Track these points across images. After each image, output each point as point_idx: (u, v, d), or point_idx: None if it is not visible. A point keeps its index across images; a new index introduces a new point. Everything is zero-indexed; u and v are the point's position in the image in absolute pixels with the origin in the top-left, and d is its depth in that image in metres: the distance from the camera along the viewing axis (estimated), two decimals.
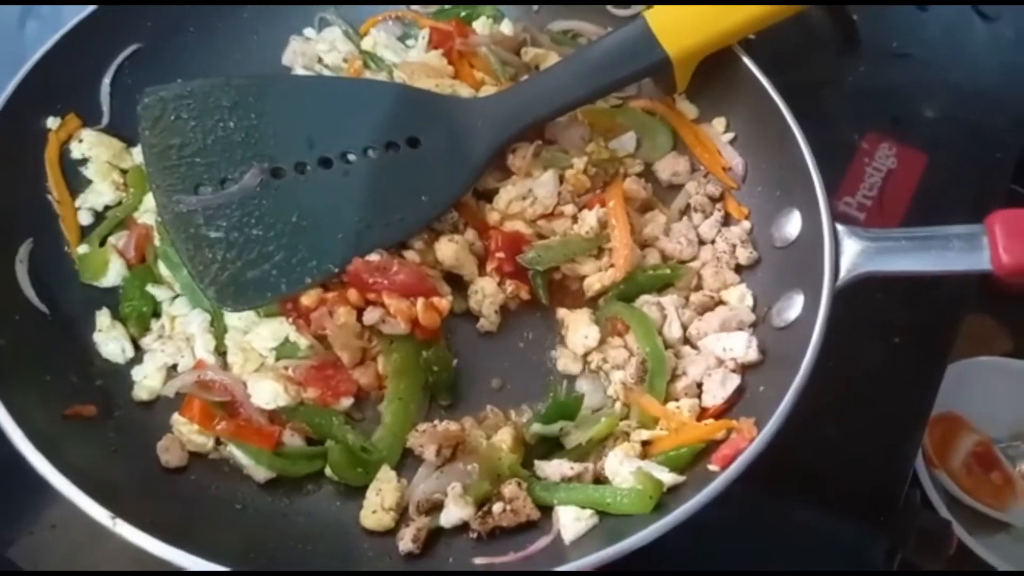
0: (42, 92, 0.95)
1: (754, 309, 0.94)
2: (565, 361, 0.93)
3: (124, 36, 1.02)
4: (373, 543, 0.82)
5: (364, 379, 0.89)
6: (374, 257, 0.89)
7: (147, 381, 0.89)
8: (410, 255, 0.92)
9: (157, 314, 0.93)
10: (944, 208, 1.20)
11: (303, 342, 0.89)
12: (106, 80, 1.00)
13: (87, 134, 0.98)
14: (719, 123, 1.06)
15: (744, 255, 0.97)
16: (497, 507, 0.81)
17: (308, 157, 0.92)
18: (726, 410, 0.87)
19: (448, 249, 0.93)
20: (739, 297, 0.94)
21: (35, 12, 1.17)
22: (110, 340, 0.90)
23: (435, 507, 0.82)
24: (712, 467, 0.79)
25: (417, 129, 0.96)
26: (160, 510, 0.78)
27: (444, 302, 0.89)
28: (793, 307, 0.89)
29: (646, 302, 0.94)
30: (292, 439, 0.86)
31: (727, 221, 1.01)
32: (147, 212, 0.97)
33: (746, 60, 1.00)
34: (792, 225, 0.94)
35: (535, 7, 1.14)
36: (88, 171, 0.98)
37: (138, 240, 0.95)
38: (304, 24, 1.12)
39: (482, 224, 0.98)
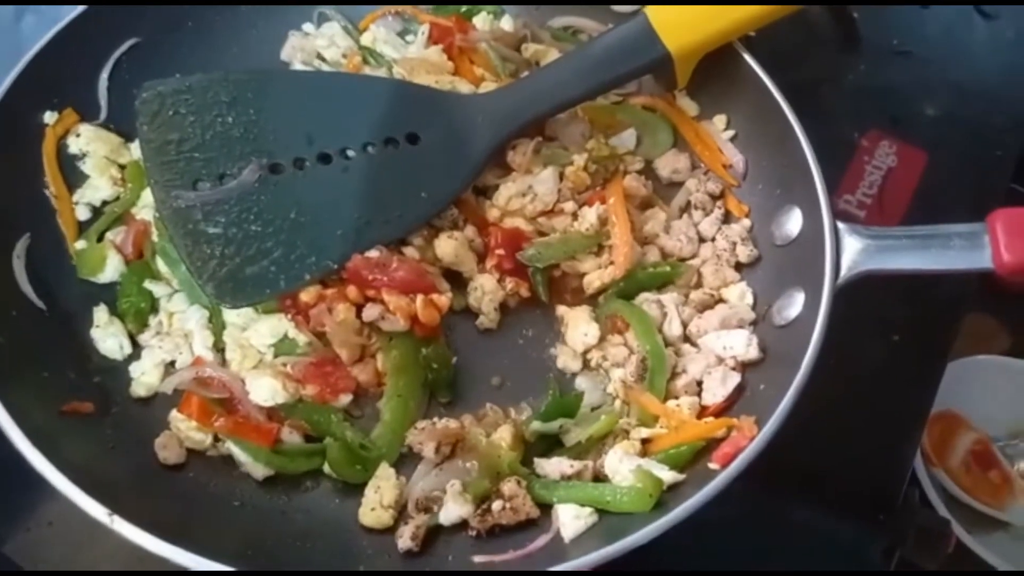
0: (39, 86, 0.94)
1: (754, 307, 0.94)
2: (565, 359, 0.93)
3: (122, 30, 1.01)
4: (372, 541, 0.82)
5: (363, 376, 0.88)
6: (373, 254, 0.88)
7: (145, 378, 0.89)
8: (409, 252, 0.92)
9: (155, 310, 0.93)
10: (944, 207, 1.20)
11: (302, 339, 0.88)
12: (104, 75, 1.00)
13: (85, 129, 0.97)
14: (720, 120, 1.05)
15: (744, 253, 0.97)
16: (496, 505, 0.81)
17: (307, 153, 0.91)
18: (726, 408, 0.87)
19: (448, 246, 0.93)
20: (739, 295, 0.94)
21: (31, 6, 1.17)
22: (108, 336, 0.90)
23: (434, 505, 0.82)
24: (712, 465, 0.79)
25: (416, 125, 0.95)
26: (158, 507, 0.78)
27: (444, 299, 0.89)
28: (793, 305, 0.88)
29: (646, 300, 0.94)
30: (291, 436, 0.86)
31: (727, 219, 1.01)
32: (145, 207, 0.96)
33: (747, 57, 1.00)
34: (793, 223, 0.94)
35: (535, 3, 1.13)
36: (86, 166, 0.97)
37: (136, 236, 0.95)
38: (303, 19, 1.12)
39: (482, 221, 0.97)
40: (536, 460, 0.85)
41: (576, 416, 0.87)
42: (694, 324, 0.93)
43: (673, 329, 0.92)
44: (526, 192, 0.97)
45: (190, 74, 0.93)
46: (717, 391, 0.86)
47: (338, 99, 0.96)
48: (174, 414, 0.86)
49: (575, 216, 0.98)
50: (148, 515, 0.73)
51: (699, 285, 0.97)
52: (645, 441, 0.85)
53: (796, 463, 0.96)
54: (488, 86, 1.05)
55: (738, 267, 0.97)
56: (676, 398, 0.88)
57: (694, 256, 0.99)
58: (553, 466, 0.84)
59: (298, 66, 1.09)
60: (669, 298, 0.94)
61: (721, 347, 0.89)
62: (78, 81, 0.98)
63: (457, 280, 0.95)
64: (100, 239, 0.95)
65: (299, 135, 0.92)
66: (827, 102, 1.28)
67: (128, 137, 0.99)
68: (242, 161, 0.89)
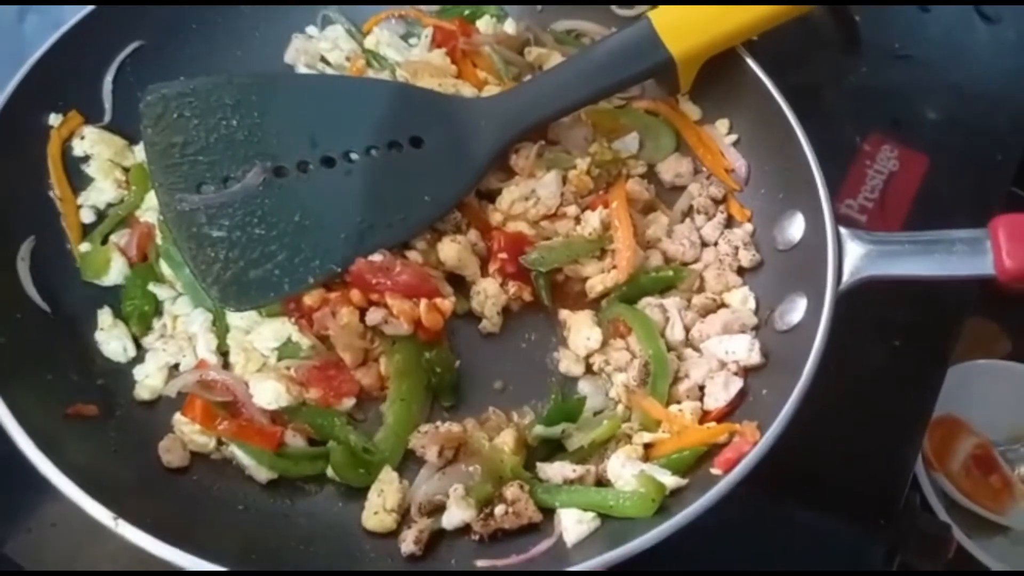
0: (44, 89, 0.94)
1: (756, 312, 0.94)
2: (567, 363, 0.93)
3: (126, 33, 1.01)
4: (375, 544, 0.82)
5: (366, 380, 0.89)
6: (377, 257, 0.88)
7: (149, 380, 0.89)
8: (413, 255, 0.92)
9: (159, 313, 0.93)
10: (945, 210, 1.20)
11: (305, 342, 0.88)
12: (108, 77, 1.00)
13: (89, 131, 0.97)
14: (722, 125, 1.05)
15: (747, 257, 0.97)
16: (499, 509, 0.81)
17: (311, 156, 0.91)
18: (728, 413, 0.87)
19: (450, 250, 0.93)
20: (741, 300, 0.94)
21: (34, 6, 1.17)
22: (112, 339, 0.90)
23: (437, 509, 0.82)
24: (715, 471, 0.79)
25: (420, 129, 0.95)
26: (161, 510, 0.78)
27: (447, 303, 0.89)
28: (796, 310, 0.89)
29: (648, 304, 0.94)
30: (294, 440, 0.86)
31: (730, 223, 1.01)
32: (149, 210, 0.96)
33: (750, 62, 1.00)
34: (795, 228, 0.94)
35: (539, 7, 1.14)
36: (90, 169, 0.97)
37: (140, 238, 0.95)
38: (307, 22, 1.12)
39: (485, 225, 0.97)
40: (538, 464, 0.85)
41: (578, 420, 0.87)
42: (696, 329, 0.93)
43: (675, 334, 0.92)
44: (529, 196, 0.97)
45: (194, 77, 0.94)
46: (719, 396, 0.87)
47: (341, 102, 0.96)
48: (178, 417, 0.86)
49: (578, 220, 0.98)
50: (151, 518, 0.73)
51: (701, 289, 0.97)
52: (647, 446, 0.85)
53: (797, 467, 0.96)
54: (491, 89, 1.05)
55: (740, 272, 0.98)
56: (678, 403, 0.88)
57: (696, 260, 0.99)
58: (556, 470, 0.84)
59: (302, 69, 1.09)
60: (671, 302, 0.94)
61: (723, 352, 0.89)
62: (82, 83, 0.98)
63: (460, 284, 0.95)
64: (104, 242, 0.95)
65: (303, 138, 0.92)
66: (828, 105, 1.28)
67: (132, 140, 0.99)
68: (246, 164, 0.89)
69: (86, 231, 0.96)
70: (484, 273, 0.95)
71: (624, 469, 0.82)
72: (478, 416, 0.89)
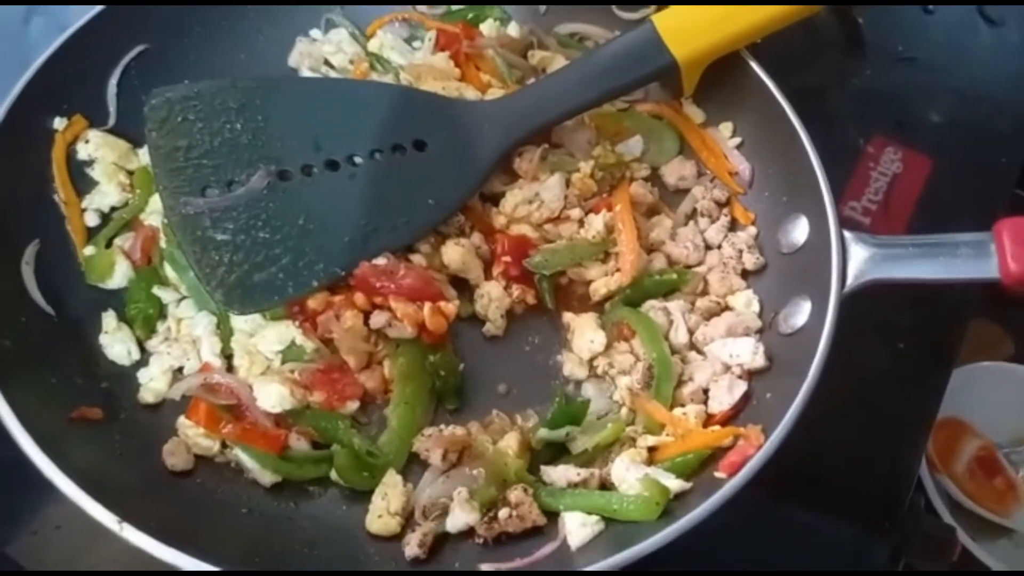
0: (49, 92, 0.95)
1: (760, 315, 0.94)
2: (571, 366, 0.93)
3: (130, 36, 1.02)
4: (379, 548, 0.82)
5: (370, 383, 0.89)
6: (381, 261, 0.88)
7: (153, 384, 0.89)
8: (416, 259, 0.92)
9: (163, 316, 0.93)
10: (949, 213, 1.20)
11: (309, 345, 0.88)
12: (112, 81, 1.00)
13: (93, 135, 0.98)
14: (726, 128, 1.05)
15: (751, 260, 0.97)
16: (503, 512, 0.81)
17: (315, 159, 0.91)
18: (732, 416, 0.87)
19: (454, 253, 0.93)
20: (745, 303, 0.94)
21: (40, 8, 1.17)
22: (116, 342, 0.90)
23: (441, 512, 0.82)
24: (719, 474, 0.79)
25: (423, 132, 0.95)
26: (166, 513, 0.78)
27: (451, 306, 0.89)
28: (800, 313, 0.89)
29: (652, 307, 0.94)
30: (298, 443, 0.86)
31: (733, 226, 1.01)
32: (153, 213, 0.96)
33: (754, 65, 1.00)
34: (799, 231, 0.94)
35: (542, 9, 1.14)
36: (94, 172, 0.98)
37: (144, 242, 0.95)
38: (310, 25, 1.12)
39: (488, 228, 0.97)
40: (542, 468, 0.85)
41: (582, 424, 0.87)
42: (700, 332, 0.93)
43: (679, 336, 0.92)
44: (532, 199, 0.97)
45: (198, 80, 0.94)
46: (723, 399, 0.87)
47: (345, 106, 0.96)
48: (182, 420, 0.86)
49: (581, 223, 0.98)
50: (155, 521, 0.73)
51: (705, 292, 0.97)
52: (651, 449, 0.85)
53: (801, 469, 0.96)
54: (495, 92, 1.05)
55: (744, 275, 0.98)
56: (682, 406, 0.88)
57: (700, 263, 0.99)
58: (559, 474, 0.84)
59: (305, 72, 1.09)
60: (675, 305, 0.94)
61: (727, 355, 0.89)
62: (87, 87, 0.99)
63: (463, 287, 0.95)
64: (109, 245, 0.95)
65: (307, 142, 0.92)
66: (832, 108, 1.28)
67: (137, 143, 1.00)
68: (250, 168, 0.89)
69: (90, 234, 0.96)
70: (488, 276, 0.96)
71: (628, 472, 0.82)
72: (482, 419, 0.89)
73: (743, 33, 0.98)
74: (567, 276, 0.97)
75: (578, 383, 0.93)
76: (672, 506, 0.79)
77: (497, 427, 0.88)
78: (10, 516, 0.90)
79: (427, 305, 0.87)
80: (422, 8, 1.13)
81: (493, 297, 0.94)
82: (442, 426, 0.86)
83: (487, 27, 1.12)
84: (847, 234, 0.88)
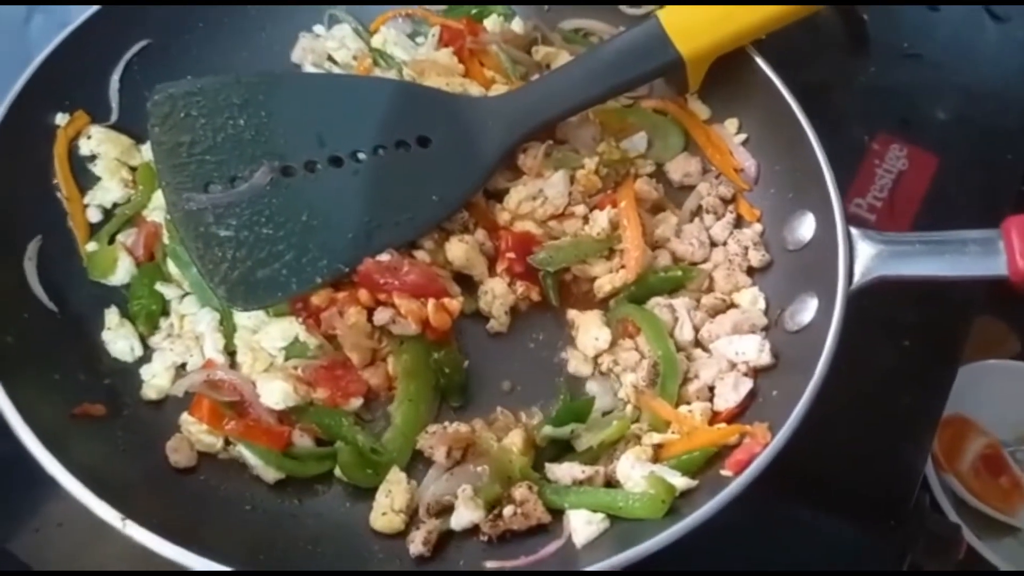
0: (51, 88, 0.94)
1: (766, 312, 0.93)
2: (576, 363, 0.93)
3: (133, 32, 1.01)
4: (383, 545, 0.82)
5: (374, 380, 0.88)
6: (384, 257, 0.88)
7: (156, 380, 0.89)
8: (420, 255, 0.92)
9: (166, 313, 0.93)
10: (955, 210, 1.20)
11: (313, 342, 0.88)
12: (115, 76, 1.00)
13: (96, 131, 0.97)
14: (731, 124, 1.05)
15: (756, 257, 0.96)
16: (508, 510, 0.80)
17: (318, 155, 0.91)
18: (738, 414, 0.86)
19: (458, 249, 0.93)
20: (751, 300, 0.94)
21: (40, 6, 1.17)
22: (119, 338, 0.90)
23: (445, 509, 0.82)
24: (725, 472, 0.78)
25: (427, 128, 0.95)
26: (169, 511, 0.78)
27: (455, 303, 0.88)
28: (806, 311, 0.88)
29: (657, 304, 0.94)
30: (302, 440, 0.85)
31: (739, 223, 1.01)
32: (156, 209, 0.96)
33: (759, 61, 1.00)
34: (805, 228, 0.93)
35: (546, 6, 1.13)
36: (97, 168, 0.97)
37: (147, 238, 0.94)
38: (313, 21, 1.11)
39: (492, 224, 0.97)
40: (547, 465, 0.85)
41: (587, 421, 0.87)
42: (706, 329, 0.92)
43: (685, 334, 0.92)
44: (537, 195, 0.97)
45: (201, 76, 0.93)
46: (729, 397, 0.86)
47: (349, 102, 0.96)
48: (185, 417, 0.85)
49: (586, 220, 0.97)
50: (159, 518, 0.73)
51: (711, 290, 0.96)
52: (657, 447, 0.85)
53: (806, 467, 0.96)
54: (498, 88, 1.04)
55: (750, 272, 0.97)
56: (688, 403, 0.88)
57: (705, 260, 0.98)
58: (564, 471, 0.83)
59: (308, 68, 1.09)
60: (680, 303, 0.93)
61: (733, 352, 0.89)
62: (89, 83, 0.98)
63: (467, 284, 0.95)
64: (111, 241, 0.95)
65: (310, 138, 0.92)
66: (837, 105, 1.28)
67: (139, 139, 0.99)
68: (253, 164, 0.89)
69: (93, 230, 0.95)
70: (492, 273, 0.95)
71: (633, 470, 0.81)
72: (486, 416, 0.88)
73: (749, 29, 0.97)
74: (571, 273, 0.96)
75: (583, 380, 0.92)
76: (678, 504, 0.79)
77: (501, 424, 0.87)
78: (12, 513, 0.90)
79: (431, 302, 0.87)
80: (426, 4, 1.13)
81: (497, 294, 0.93)
82: (446, 423, 0.85)
83: (491, 23, 1.11)
84: (854, 231, 0.87)
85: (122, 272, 0.93)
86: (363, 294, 0.87)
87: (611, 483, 0.84)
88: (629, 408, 0.89)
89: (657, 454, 0.84)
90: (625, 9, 1.09)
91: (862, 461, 1.02)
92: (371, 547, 0.82)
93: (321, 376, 0.87)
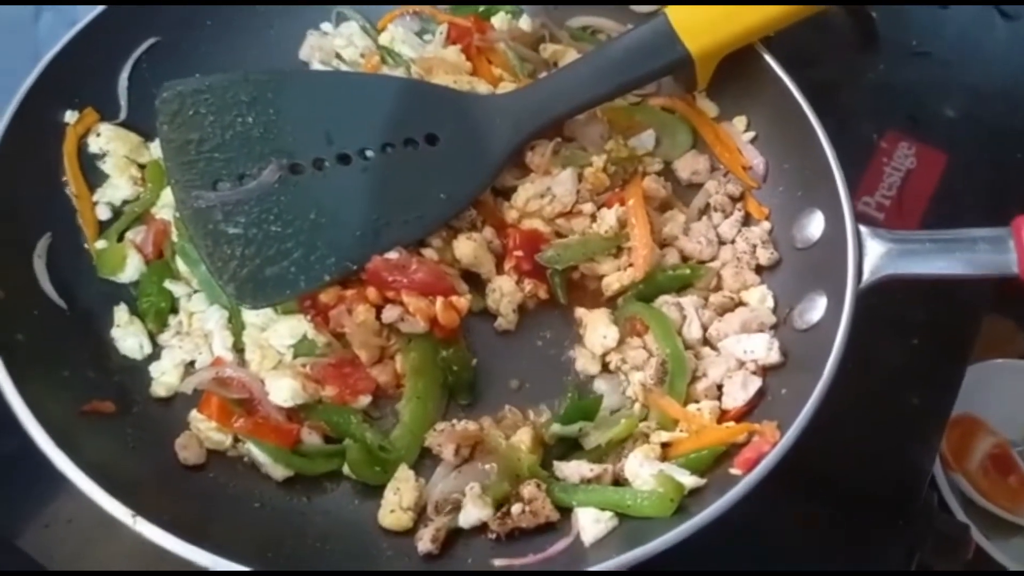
0: (60, 86, 0.94)
1: (775, 311, 0.93)
2: (583, 361, 0.92)
3: (141, 30, 1.01)
4: (392, 543, 0.82)
5: (382, 377, 0.88)
6: (393, 255, 0.88)
7: (165, 378, 0.89)
8: (428, 253, 0.92)
9: (175, 310, 0.93)
10: (963, 208, 1.20)
11: (321, 340, 0.88)
12: (124, 74, 1.00)
13: (105, 128, 0.98)
14: (740, 121, 1.05)
15: (765, 256, 0.96)
16: (516, 508, 0.80)
17: (326, 153, 0.91)
18: (747, 413, 0.86)
19: (466, 247, 0.93)
20: (760, 298, 0.94)
21: (50, 5, 1.17)
22: (128, 336, 0.90)
23: (453, 507, 0.82)
24: (734, 471, 0.78)
25: (435, 126, 0.95)
26: (179, 508, 0.78)
27: (463, 301, 0.88)
28: (815, 309, 0.88)
29: (665, 302, 0.94)
30: (310, 437, 0.86)
31: (747, 221, 1.01)
32: (165, 207, 0.96)
33: (768, 58, 0.99)
34: (814, 226, 0.93)
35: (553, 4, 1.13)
36: (105, 165, 0.97)
37: (156, 235, 0.95)
38: (321, 19, 1.12)
39: (500, 222, 0.97)
40: (555, 463, 0.85)
41: (595, 419, 0.87)
42: (714, 327, 0.92)
43: (693, 332, 0.92)
44: (544, 193, 0.97)
45: (210, 74, 0.93)
46: (738, 395, 0.86)
47: (357, 99, 0.96)
48: (194, 414, 0.86)
49: (594, 218, 0.97)
50: (169, 515, 0.73)
51: (719, 288, 0.96)
52: (665, 445, 0.85)
53: (814, 466, 0.95)
54: (506, 86, 1.04)
55: (758, 270, 0.97)
56: (696, 402, 0.87)
57: (714, 259, 0.98)
58: (572, 469, 0.83)
59: (316, 66, 1.09)
60: (688, 301, 0.93)
61: (742, 351, 0.89)
62: (98, 80, 0.98)
63: (475, 282, 0.95)
64: (120, 239, 0.95)
65: (318, 135, 0.92)
66: (846, 103, 1.27)
67: (148, 136, 1.00)
68: (262, 161, 0.89)
69: (102, 228, 0.96)
70: (500, 271, 0.95)
71: (642, 468, 0.81)
72: (494, 414, 0.88)
73: (757, 26, 0.97)
74: (579, 271, 0.96)
75: (591, 378, 0.92)
76: (686, 502, 0.79)
77: (509, 422, 0.87)
78: (21, 509, 0.90)
79: (439, 299, 0.87)
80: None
81: (505, 292, 0.93)
82: (454, 421, 0.86)
83: (499, 20, 1.11)
84: (863, 229, 0.87)
85: (131, 270, 0.93)
86: (371, 292, 0.87)
87: (619, 481, 0.84)
88: (637, 406, 0.88)
89: (665, 452, 0.84)
90: (633, 7, 1.08)
91: (870, 460, 1.02)
92: (379, 544, 0.82)
93: (329, 374, 0.87)
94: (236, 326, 0.91)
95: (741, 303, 0.95)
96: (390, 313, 0.87)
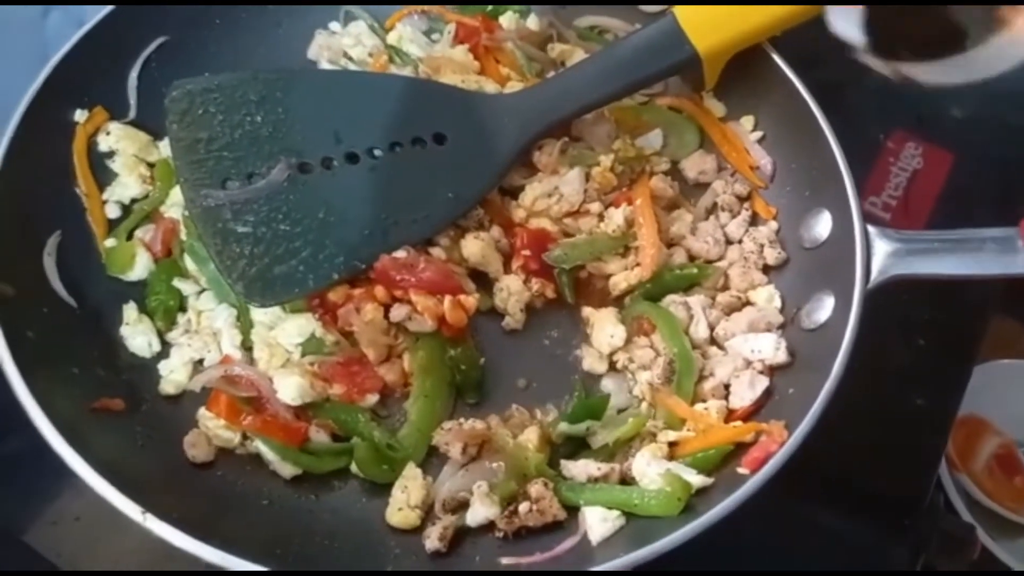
0: (70, 85, 0.94)
1: (782, 310, 0.93)
2: (591, 360, 0.93)
3: (150, 29, 1.02)
4: (399, 541, 0.82)
5: (390, 376, 0.89)
6: (401, 254, 0.88)
7: (173, 375, 0.89)
8: (436, 252, 0.92)
9: (184, 308, 0.93)
10: (970, 208, 1.19)
11: (329, 338, 0.88)
12: (133, 73, 1.00)
13: (114, 127, 0.98)
14: (747, 121, 1.05)
15: (772, 255, 0.96)
16: (523, 507, 0.80)
17: (335, 152, 0.91)
18: (754, 412, 0.86)
19: (474, 246, 0.93)
20: (767, 298, 0.94)
21: (58, 5, 1.17)
22: (137, 334, 0.90)
23: (461, 505, 0.82)
24: (742, 470, 0.78)
25: (443, 125, 0.95)
26: (187, 505, 0.78)
27: (471, 300, 0.88)
28: (823, 309, 0.88)
29: (672, 302, 0.94)
30: (318, 435, 0.86)
31: (755, 221, 1.00)
32: (174, 206, 0.96)
33: (776, 58, 0.99)
34: (822, 226, 0.93)
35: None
36: (115, 164, 0.98)
37: (165, 234, 0.95)
38: (329, 18, 1.12)
39: (508, 221, 0.97)
40: (562, 462, 0.85)
41: (602, 418, 0.87)
42: (721, 327, 0.92)
43: (700, 331, 0.92)
44: (552, 193, 0.97)
45: (219, 73, 0.94)
46: (745, 395, 0.86)
47: (365, 98, 0.96)
48: (202, 412, 0.86)
49: (601, 217, 0.97)
50: (177, 512, 0.73)
51: (726, 287, 0.96)
52: (672, 444, 0.85)
53: (820, 466, 0.95)
54: (514, 86, 1.04)
55: (766, 270, 0.97)
56: (704, 401, 0.87)
57: (721, 258, 0.98)
58: (580, 468, 0.84)
59: (324, 65, 1.09)
60: (696, 300, 0.93)
61: (749, 350, 0.89)
62: (108, 79, 0.99)
63: (483, 281, 0.95)
64: (129, 237, 0.95)
65: (327, 134, 0.92)
66: (852, 103, 1.27)
67: (157, 135, 1.00)
68: (271, 160, 0.89)
69: (111, 226, 0.96)
70: (507, 270, 0.95)
71: (649, 467, 0.81)
72: (502, 413, 0.89)
73: (765, 26, 0.97)
74: (587, 270, 0.96)
75: (598, 377, 0.92)
76: (694, 502, 0.79)
77: (517, 421, 0.87)
78: (29, 506, 0.91)
79: (447, 298, 0.87)
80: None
81: (512, 291, 0.93)
82: (461, 420, 0.86)
83: (506, 20, 1.11)
84: (871, 229, 0.87)
85: (140, 268, 0.94)
86: (379, 291, 0.88)
87: (626, 480, 0.84)
88: (644, 405, 0.88)
89: (673, 451, 0.85)
90: (641, 6, 1.08)
91: (876, 460, 1.02)
92: (387, 542, 0.82)
93: (337, 372, 0.87)
94: (244, 324, 0.91)
95: (748, 303, 0.95)
96: (398, 312, 0.87)
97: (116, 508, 0.72)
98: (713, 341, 0.93)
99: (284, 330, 0.89)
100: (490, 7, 1.12)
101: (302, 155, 0.90)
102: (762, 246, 0.97)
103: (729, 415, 0.86)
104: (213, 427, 0.85)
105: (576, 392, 0.90)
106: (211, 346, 0.90)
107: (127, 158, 0.98)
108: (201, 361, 0.90)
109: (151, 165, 0.99)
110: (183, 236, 0.95)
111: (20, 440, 0.78)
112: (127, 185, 0.97)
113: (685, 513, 0.77)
